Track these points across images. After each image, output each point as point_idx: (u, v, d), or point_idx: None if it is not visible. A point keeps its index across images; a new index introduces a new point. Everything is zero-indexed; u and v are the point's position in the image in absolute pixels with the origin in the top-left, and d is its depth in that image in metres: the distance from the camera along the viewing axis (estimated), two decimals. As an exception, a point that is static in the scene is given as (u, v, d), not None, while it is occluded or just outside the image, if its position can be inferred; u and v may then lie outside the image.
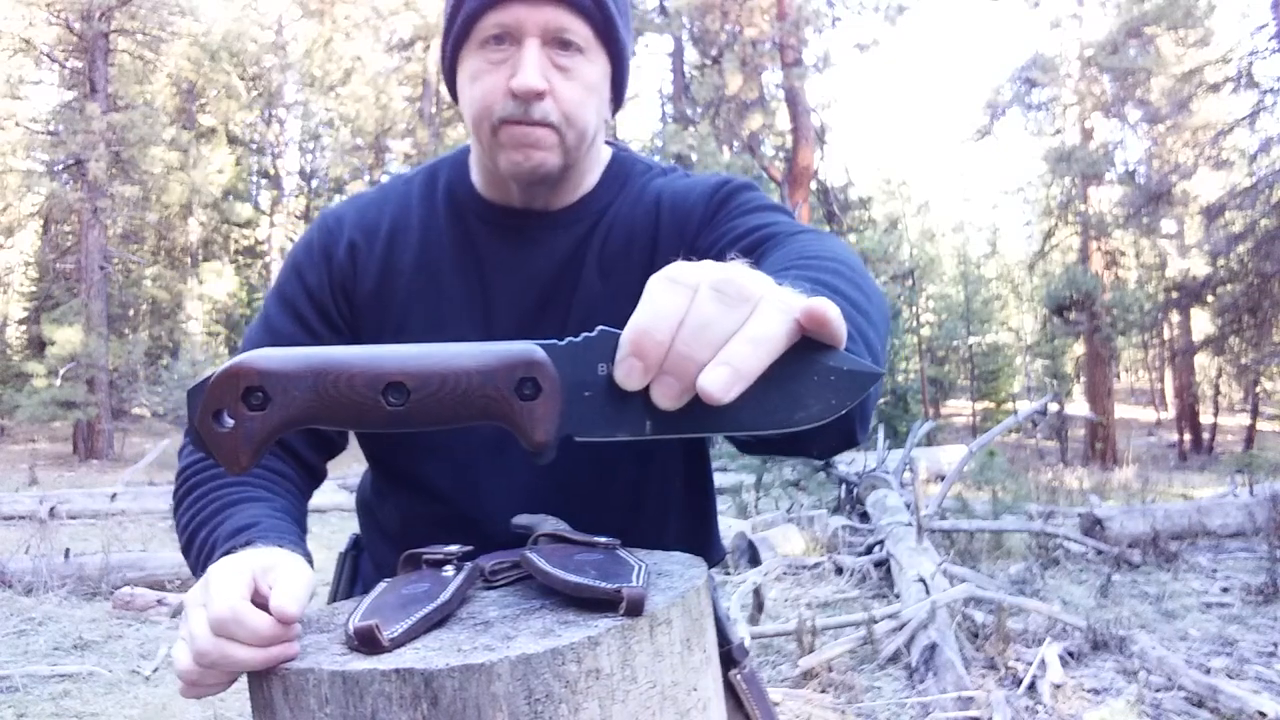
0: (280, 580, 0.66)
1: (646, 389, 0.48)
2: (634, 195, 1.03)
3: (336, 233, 1.04)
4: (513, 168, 0.92)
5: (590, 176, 1.03)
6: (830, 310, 0.48)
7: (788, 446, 0.71)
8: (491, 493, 0.97)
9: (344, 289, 1.02)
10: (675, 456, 1.05)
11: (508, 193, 0.99)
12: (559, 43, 0.90)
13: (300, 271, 1.04)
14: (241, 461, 0.47)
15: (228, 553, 0.76)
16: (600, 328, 0.49)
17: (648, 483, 1.03)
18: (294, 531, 0.85)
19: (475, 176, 1.03)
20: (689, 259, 0.50)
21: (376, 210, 1.05)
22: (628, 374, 0.47)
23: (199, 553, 0.84)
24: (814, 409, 0.49)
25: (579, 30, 0.91)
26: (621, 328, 0.49)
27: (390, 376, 0.45)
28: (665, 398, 0.47)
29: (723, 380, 0.46)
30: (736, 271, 0.49)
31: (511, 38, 0.90)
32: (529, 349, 0.47)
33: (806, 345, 0.49)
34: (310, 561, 0.78)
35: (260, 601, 0.63)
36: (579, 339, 0.48)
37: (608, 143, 1.09)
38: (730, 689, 0.97)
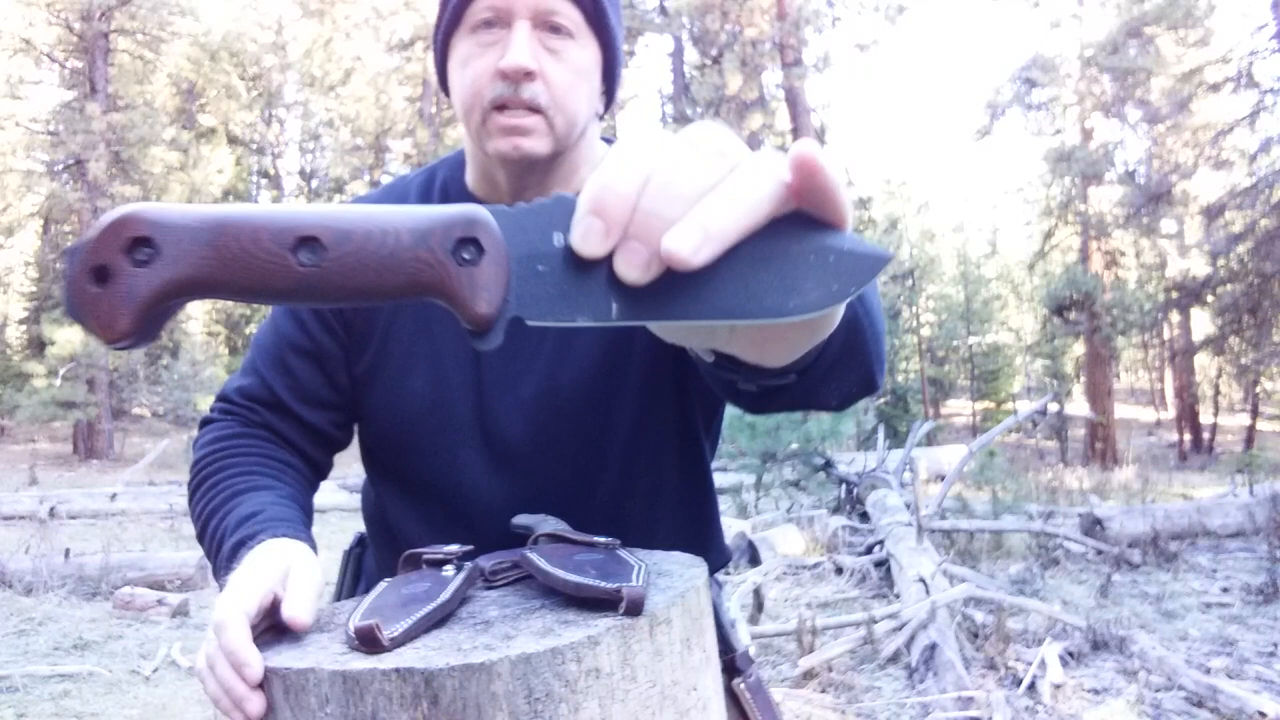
0: (291, 586, 0.72)
1: (610, 263, 0.41)
2: None
3: None
4: (500, 155, 0.92)
5: (584, 171, 1.01)
6: (821, 159, 0.40)
7: (804, 398, 0.65)
8: (474, 490, 0.97)
9: None
10: (667, 460, 1.02)
11: (499, 190, 0.98)
12: (549, 26, 0.90)
13: None
14: (119, 326, 0.39)
15: (238, 544, 0.82)
16: (556, 193, 0.43)
17: (634, 486, 1.00)
18: (300, 519, 0.89)
19: (469, 174, 1.02)
20: None
21: None
22: (585, 235, 0.40)
23: (211, 541, 0.89)
24: (812, 295, 0.41)
25: (569, 14, 0.91)
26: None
27: (303, 230, 0.39)
28: (631, 266, 0.40)
29: (693, 240, 0.39)
30: (716, 130, 0.42)
31: (501, 21, 0.90)
32: (470, 208, 0.41)
33: (800, 221, 0.42)
34: (314, 547, 0.83)
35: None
36: (532, 204, 0.42)
37: (604, 139, 1.07)
38: (734, 698, 0.95)
